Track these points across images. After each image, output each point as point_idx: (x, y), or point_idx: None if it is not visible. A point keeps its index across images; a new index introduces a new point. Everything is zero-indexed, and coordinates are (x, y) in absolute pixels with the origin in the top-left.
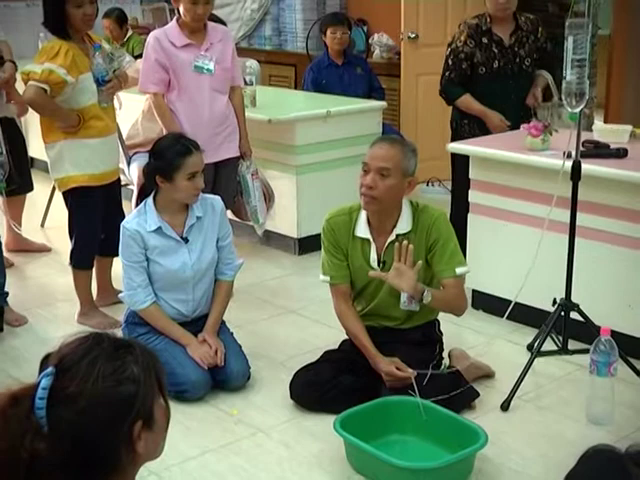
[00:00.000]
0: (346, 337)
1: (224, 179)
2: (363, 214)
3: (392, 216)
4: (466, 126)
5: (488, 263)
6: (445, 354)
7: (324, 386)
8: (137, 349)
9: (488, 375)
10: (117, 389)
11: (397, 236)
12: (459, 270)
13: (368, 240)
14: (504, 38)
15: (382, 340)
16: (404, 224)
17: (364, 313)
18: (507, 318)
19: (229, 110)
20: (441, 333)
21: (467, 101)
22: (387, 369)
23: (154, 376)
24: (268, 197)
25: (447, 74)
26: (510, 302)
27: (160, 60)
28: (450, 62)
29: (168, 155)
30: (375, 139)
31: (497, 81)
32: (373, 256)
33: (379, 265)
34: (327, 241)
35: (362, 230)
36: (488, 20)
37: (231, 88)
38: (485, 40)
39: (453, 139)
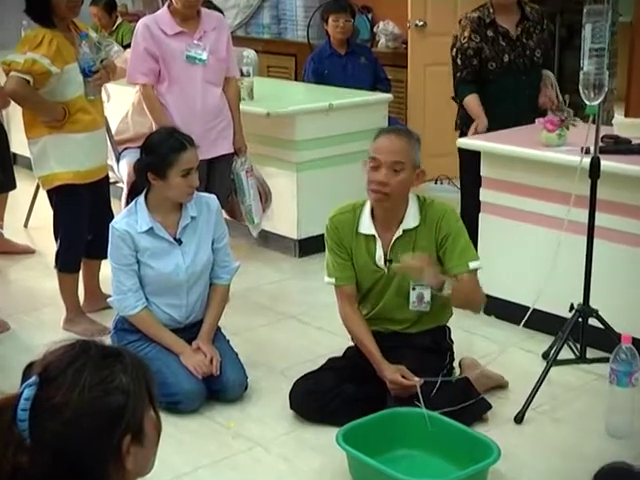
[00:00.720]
0: (351, 344)
1: (218, 177)
2: (366, 209)
3: (398, 211)
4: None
5: (501, 266)
6: (456, 364)
7: (326, 396)
8: (126, 357)
9: (501, 385)
10: (105, 400)
11: (404, 232)
12: (472, 265)
13: (373, 236)
14: (510, 29)
15: (389, 345)
16: (411, 219)
17: (370, 317)
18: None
19: (223, 103)
20: (452, 342)
21: (470, 102)
22: (392, 377)
23: (144, 386)
24: (264, 196)
25: (458, 75)
26: (524, 307)
27: (149, 49)
28: (459, 62)
29: (161, 150)
30: (378, 131)
31: (509, 76)
32: (379, 253)
33: (385, 263)
34: (331, 240)
35: (366, 226)
36: (491, 11)
37: (225, 79)
38: (490, 33)
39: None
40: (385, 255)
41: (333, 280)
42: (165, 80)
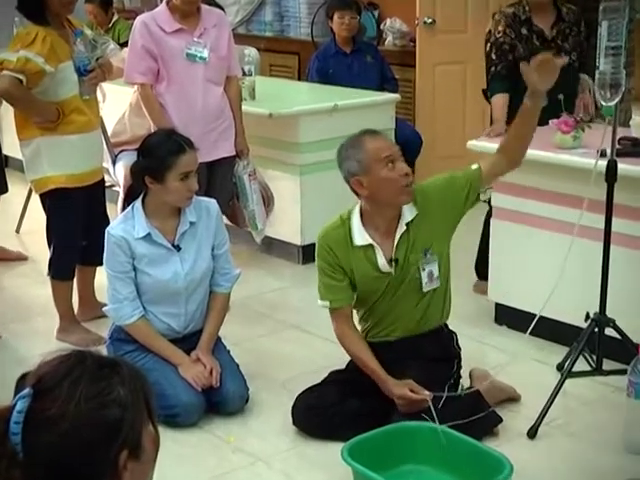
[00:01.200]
0: None
1: (219, 181)
2: (355, 220)
3: (397, 209)
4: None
5: (513, 273)
6: (465, 374)
7: (329, 410)
8: (124, 369)
9: (512, 398)
10: (101, 413)
11: (407, 225)
12: (474, 165)
13: (371, 245)
14: (545, 29)
15: (394, 357)
16: (408, 211)
17: (375, 327)
18: (535, 334)
19: (224, 103)
20: (459, 348)
21: (496, 102)
22: (400, 392)
23: (143, 399)
24: (267, 200)
25: (493, 69)
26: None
27: (148, 47)
28: (494, 56)
29: (159, 153)
30: (361, 138)
31: None
32: (381, 261)
33: (391, 265)
34: (323, 261)
35: (360, 237)
36: (527, 9)
37: (227, 79)
38: (525, 31)
39: None
40: (389, 258)
41: (327, 303)
42: (164, 79)
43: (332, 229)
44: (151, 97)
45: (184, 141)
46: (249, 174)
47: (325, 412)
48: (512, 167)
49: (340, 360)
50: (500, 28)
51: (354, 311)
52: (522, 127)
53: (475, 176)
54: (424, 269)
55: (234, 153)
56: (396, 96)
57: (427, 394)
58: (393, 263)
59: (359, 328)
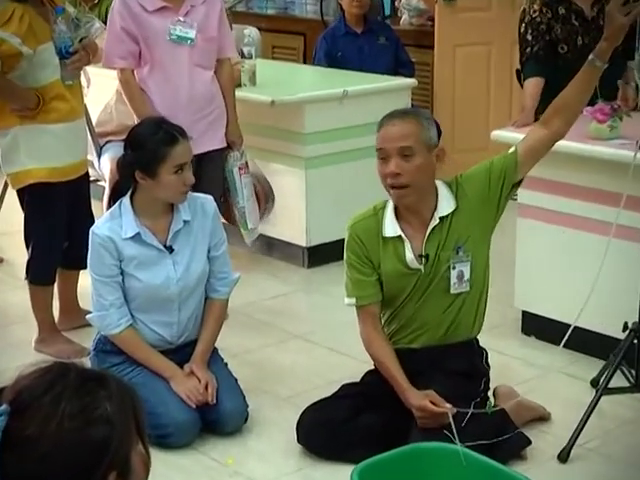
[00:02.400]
0: (370, 368)
1: (208, 175)
2: (389, 209)
3: (429, 200)
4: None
5: (542, 278)
6: (490, 392)
7: (339, 427)
8: (111, 382)
9: (542, 417)
10: (86, 431)
11: (441, 219)
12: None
13: (401, 238)
14: (585, 9)
15: (417, 367)
16: (445, 204)
17: (401, 330)
18: (566, 346)
19: (215, 89)
20: (488, 366)
21: (529, 86)
22: (419, 403)
23: (132, 416)
24: (263, 197)
25: (529, 50)
26: (569, 327)
27: (128, 28)
28: (530, 37)
29: (149, 145)
30: (382, 119)
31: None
32: (409, 255)
33: (420, 261)
34: (352, 254)
35: (391, 228)
36: None
37: (218, 61)
38: (563, 11)
39: None
40: (417, 253)
41: (354, 300)
42: (147, 63)
43: (363, 218)
44: (132, 83)
45: (176, 130)
46: (239, 167)
47: (336, 429)
48: (555, 139)
49: (351, 373)
50: (536, 7)
51: None
52: (579, 88)
53: (510, 162)
54: (454, 267)
55: (225, 144)
56: (412, 81)
57: (448, 407)
58: (423, 259)
59: None
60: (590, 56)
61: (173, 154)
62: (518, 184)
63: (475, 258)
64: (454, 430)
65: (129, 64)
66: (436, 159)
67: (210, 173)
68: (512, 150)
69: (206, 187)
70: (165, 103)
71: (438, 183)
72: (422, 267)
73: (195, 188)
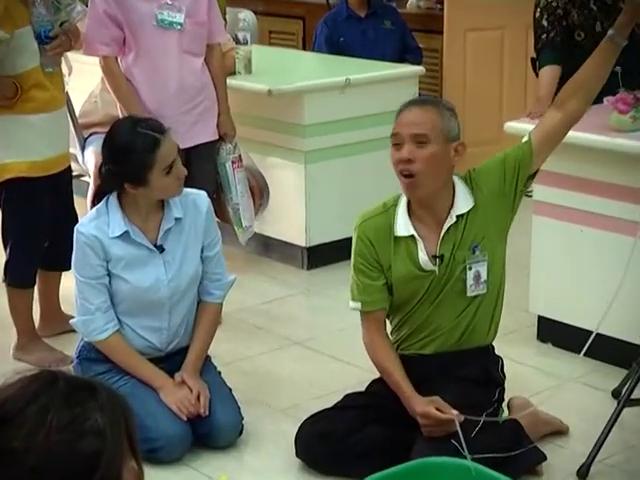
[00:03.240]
0: (375, 377)
1: (199, 170)
2: (401, 206)
3: (445, 196)
4: None
5: (559, 281)
6: (504, 404)
7: (342, 440)
8: (102, 392)
9: (559, 431)
10: (76, 444)
11: (458, 218)
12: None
13: (413, 237)
14: None
15: (427, 374)
16: (462, 202)
17: (411, 335)
18: (585, 354)
19: (205, 78)
20: (504, 375)
21: (544, 75)
22: (423, 410)
23: (124, 429)
24: (258, 192)
25: (544, 37)
26: (588, 333)
27: (110, 12)
28: (545, 22)
29: (133, 156)
30: (400, 106)
31: None
32: (422, 257)
33: (434, 262)
34: (359, 255)
35: (403, 227)
36: None
37: (208, 47)
38: None
39: None
40: (431, 253)
41: (359, 305)
42: (131, 51)
43: (372, 216)
44: (116, 72)
45: (154, 129)
46: (233, 161)
47: (338, 442)
48: (571, 122)
49: (355, 382)
50: None
51: (387, 321)
52: (597, 66)
53: (524, 152)
54: (470, 268)
55: (217, 137)
56: (419, 68)
57: (455, 414)
58: (437, 260)
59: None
60: (610, 31)
61: (159, 158)
62: (533, 176)
63: (492, 257)
64: (462, 440)
65: (112, 51)
66: (455, 153)
67: (201, 168)
68: (525, 139)
69: (198, 183)
70: (152, 93)
71: (455, 179)
72: (436, 268)
73: (185, 184)
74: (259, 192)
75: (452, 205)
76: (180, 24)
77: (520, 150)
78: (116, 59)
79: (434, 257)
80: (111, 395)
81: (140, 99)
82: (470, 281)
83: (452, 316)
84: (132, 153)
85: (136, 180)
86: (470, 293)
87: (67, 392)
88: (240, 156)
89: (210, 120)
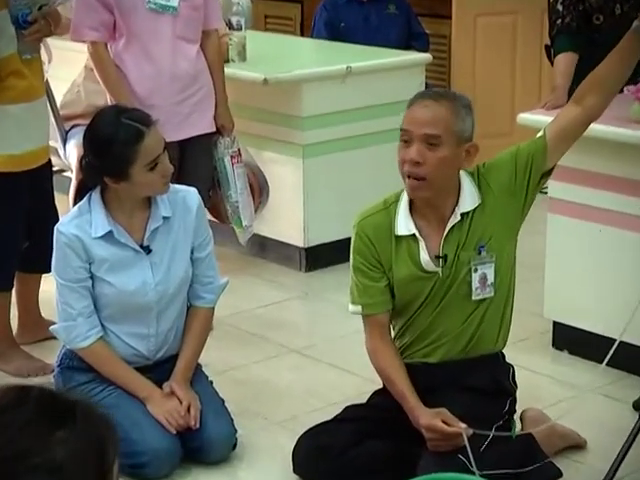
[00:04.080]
0: (378, 387)
1: (194, 165)
2: (403, 203)
3: (450, 194)
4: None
5: (576, 284)
6: (516, 416)
7: (342, 455)
8: (79, 417)
9: (576, 445)
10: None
11: (462, 216)
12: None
13: (414, 236)
14: None
15: (434, 385)
16: (468, 199)
17: (414, 342)
18: (601, 363)
19: (201, 65)
20: (515, 385)
21: (560, 62)
22: (429, 422)
23: (95, 463)
24: (258, 189)
25: (559, 22)
26: (609, 340)
27: None
28: (560, 6)
29: (113, 149)
30: (414, 96)
31: (621, 35)
32: (424, 257)
33: (437, 263)
34: (359, 255)
35: (404, 225)
36: None
37: (204, 33)
38: None
39: None
40: (432, 253)
41: (360, 309)
42: (122, 36)
43: (371, 214)
44: (105, 59)
45: (138, 120)
46: (232, 156)
47: (337, 457)
48: (590, 118)
49: (356, 393)
50: None
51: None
52: (620, 59)
53: (537, 147)
54: (476, 270)
55: (214, 129)
56: (426, 56)
57: (463, 427)
58: (440, 261)
59: None
60: (635, 22)
61: (142, 152)
62: (548, 174)
63: (500, 259)
64: (470, 455)
65: (101, 36)
66: (466, 154)
67: (197, 163)
68: (540, 134)
69: (193, 179)
70: (144, 82)
71: (462, 174)
72: (439, 270)
73: (180, 181)
74: (259, 190)
75: (457, 203)
76: (174, 8)
77: (534, 145)
78: (105, 45)
79: (437, 257)
80: (90, 419)
81: (131, 88)
82: (476, 284)
83: (458, 322)
84: (113, 145)
85: (117, 174)
86: (475, 297)
87: (31, 418)
88: (239, 150)
89: (206, 111)
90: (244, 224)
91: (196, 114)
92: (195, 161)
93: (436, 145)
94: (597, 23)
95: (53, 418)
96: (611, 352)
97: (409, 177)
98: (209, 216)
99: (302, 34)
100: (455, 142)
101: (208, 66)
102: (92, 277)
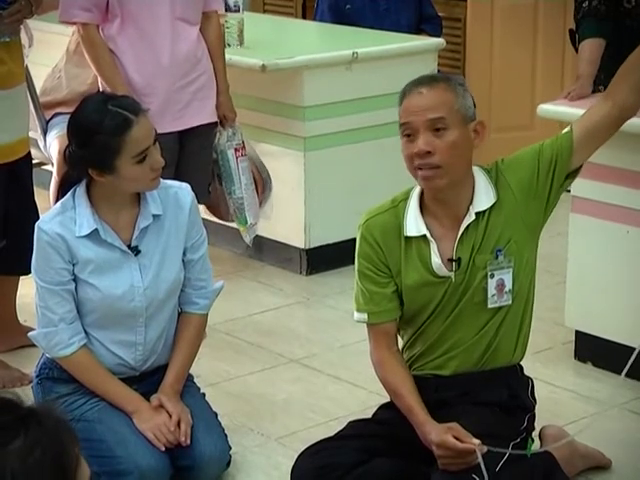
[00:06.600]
0: (384, 401)
1: (194, 157)
2: (413, 202)
3: (464, 190)
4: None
5: (601, 290)
6: (535, 433)
7: (345, 475)
8: (35, 428)
9: (600, 466)
10: None
11: (477, 215)
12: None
13: (425, 237)
14: None
15: (447, 398)
16: (483, 196)
17: (425, 353)
18: (629, 376)
19: (201, 50)
20: (535, 400)
21: (585, 49)
22: (440, 438)
23: (54, 474)
24: (261, 185)
25: (585, 4)
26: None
27: None
28: None
29: (98, 138)
30: (403, 88)
31: None
32: (435, 260)
33: (450, 267)
34: (364, 259)
35: (413, 225)
36: None
37: (204, 15)
38: None
39: None
40: (445, 255)
41: (365, 317)
42: (116, 18)
43: (379, 213)
44: (97, 42)
45: (126, 107)
46: (235, 149)
47: (340, 476)
48: (623, 116)
49: (360, 408)
50: None
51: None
52: None
53: (563, 145)
54: (492, 275)
55: (215, 119)
56: (439, 41)
57: (477, 443)
58: (454, 264)
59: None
60: None
61: (129, 142)
62: (574, 174)
63: (518, 264)
64: (485, 474)
65: (94, 18)
66: (475, 134)
67: (196, 155)
68: (567, 130)
69: (192, 172)
70: (140, 67)
71: (475, 170)
72: (452, 274)
73: (178, 174)
74: (262, 184)
75: (471, 201)
76: None
77: (559, 141)
78: (97, 27)
79: (450, 261)
80: (48, 430)
81: (126, 74)
82: (492, 290)
83: (472, 331)
84: (98, 133)
85: (101, 166)
86: (491, 304)
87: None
88: (244, 142)
89: (208, 99)
90: (249, 222)
91: (197, 102)
92: (194, 153)
93: (443, 129)
94: (628, 7)
95: (9, 428)
96: (630, 361)
97: (422, 170)
98: (205, 214)
99: (304, 17)
100: (461, 122)
101: (208, 51)
102: (75, 280)
